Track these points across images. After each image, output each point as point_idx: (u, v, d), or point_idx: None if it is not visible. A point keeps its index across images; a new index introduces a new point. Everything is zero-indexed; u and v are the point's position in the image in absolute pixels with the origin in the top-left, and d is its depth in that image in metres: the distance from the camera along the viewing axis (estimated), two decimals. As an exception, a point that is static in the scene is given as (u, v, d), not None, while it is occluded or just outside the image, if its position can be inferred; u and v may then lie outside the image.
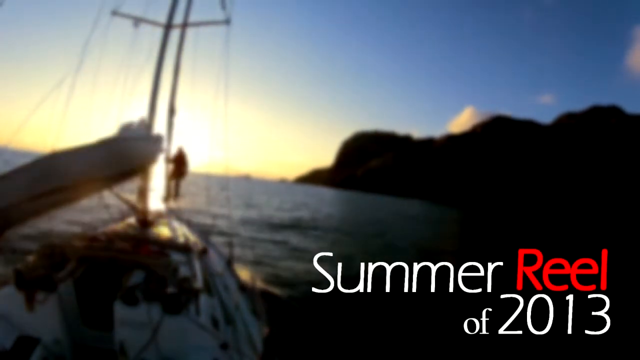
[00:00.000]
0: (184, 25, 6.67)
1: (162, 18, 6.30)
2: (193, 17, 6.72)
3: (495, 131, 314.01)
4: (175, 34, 6.53)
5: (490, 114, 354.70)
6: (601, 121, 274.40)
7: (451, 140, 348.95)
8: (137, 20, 6.38)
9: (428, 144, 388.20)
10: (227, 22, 6.93)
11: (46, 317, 3.15)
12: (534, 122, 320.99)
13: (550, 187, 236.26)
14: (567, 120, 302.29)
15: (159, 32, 6.30)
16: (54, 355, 3.08)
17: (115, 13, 6.22)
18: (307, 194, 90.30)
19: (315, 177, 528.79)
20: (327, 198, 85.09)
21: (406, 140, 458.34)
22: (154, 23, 6.37)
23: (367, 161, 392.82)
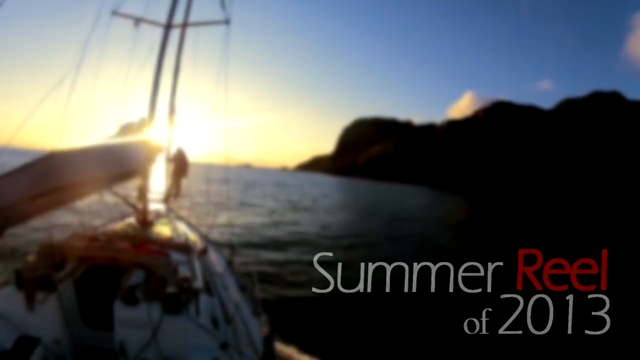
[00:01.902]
0: (184, 25, 6.68)
1: (162, 18, 6.30)
2: (193, 17, 6.73)
3: (497, 116, 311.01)
4: (175, 34, 6.54)
5: (490, 99, 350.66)
6: (602, 107, 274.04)
7: (453, 125, 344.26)
8: (137, 20, 6.38)
9: (430, 129, 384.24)
10: (227, 22, 6.94)
11: (46, 317, 3.15)
12: (536, 107, 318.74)
13: (552, 172, 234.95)
14: (569, 106, 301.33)
15: (159, 32, 6.31)
16: (54, 355, 3.08)
17: (115, 13, 6.22)
18: (312, 184, 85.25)
19: (316, 165, 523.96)
20: (336, 188, 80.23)
21: (407, 126, 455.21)
22: (154, 23, 6.37)
23: (368, 148, 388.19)
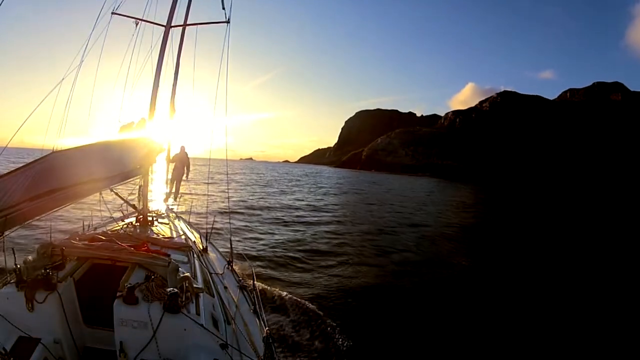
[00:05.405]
0: (185, 25, 6.68)
1: (163, 18, 6.31)
2: (193, 16, 6.74)
3: (504, 106, 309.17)
4: (175, 33, 6.55)
5: (492, 90, 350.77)
6: (606, 97, 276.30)
7: (459, 115, 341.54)
8: (139, 21, 6.39)
9: (434, 119, 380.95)
10: (227, 21, 6.95)
11: (46, 317, 3.14)
12: (541, 97, 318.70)
13: (561, 160, 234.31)
14: (572, 96, 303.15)
15: (159, 32, 6.32)
16: (54, 355, 3.07)
17: (116, 14, 6.23)
18: (324, 179, 77.75)
19: (317, 157, 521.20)
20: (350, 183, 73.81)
21: (410, 116, 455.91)
22: (155, 23, 6.38)
23: (371, 139, 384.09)
